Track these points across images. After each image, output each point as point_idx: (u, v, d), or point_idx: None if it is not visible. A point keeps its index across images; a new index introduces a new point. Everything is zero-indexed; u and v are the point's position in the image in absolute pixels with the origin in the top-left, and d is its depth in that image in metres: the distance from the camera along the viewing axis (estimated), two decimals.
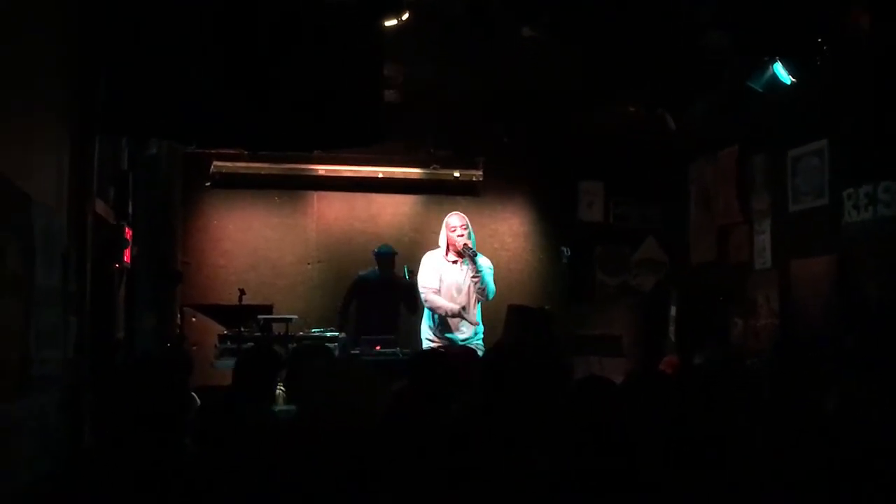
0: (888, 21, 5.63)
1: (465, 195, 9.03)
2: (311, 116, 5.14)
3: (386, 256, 8.19)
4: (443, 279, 7.33)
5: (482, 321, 7.46)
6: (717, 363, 3.38)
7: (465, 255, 7.25)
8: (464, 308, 7.30)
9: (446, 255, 7.34)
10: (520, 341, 6.67)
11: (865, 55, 6.04)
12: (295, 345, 6.88)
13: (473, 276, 7.25)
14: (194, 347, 8.01)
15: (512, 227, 9.21)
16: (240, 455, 3.10)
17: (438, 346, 7.13)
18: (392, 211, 9.05)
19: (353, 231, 8.93)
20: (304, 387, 3.52)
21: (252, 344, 6.85)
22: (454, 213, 7.49)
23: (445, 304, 7.30)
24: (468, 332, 7.31)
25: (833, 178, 6.71)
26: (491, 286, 7.31)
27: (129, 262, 5.86)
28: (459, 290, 7.32)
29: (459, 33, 6.73)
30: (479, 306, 7.41)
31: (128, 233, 5.78)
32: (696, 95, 7.81)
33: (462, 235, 7.24)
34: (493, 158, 9.07)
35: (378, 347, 7.45)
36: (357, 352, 7.42)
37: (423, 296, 7.40)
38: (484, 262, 7.34)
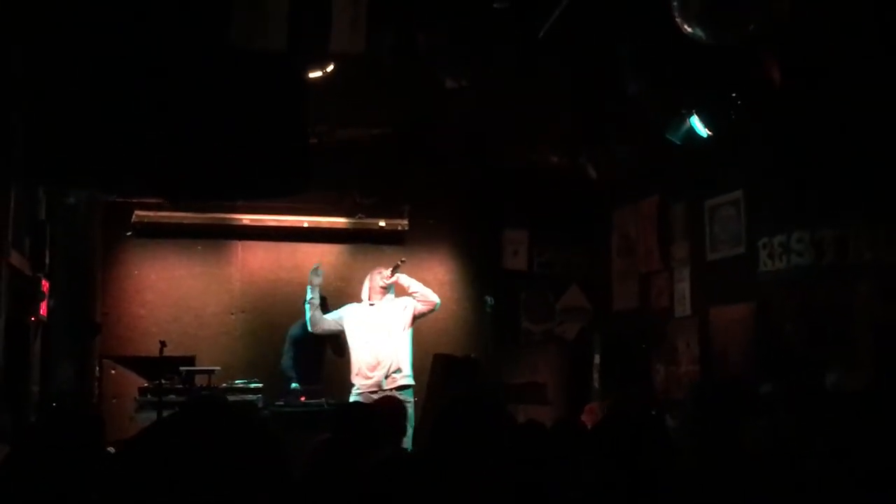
0: (797, 76, 5.85)
1: (391, 244, 9.03)
2: (235, 166, 5.11)
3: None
4: (362, 325, 7.42)
5: (413, 367, 7.52)
6: (635, 414, 3.43)
7: (396, 271, 7.51)
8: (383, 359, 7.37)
9: (369, 298, 7.48)
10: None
11: (776, 109, 6.26)
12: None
13: (412, 290, 7.43)
14: (114, 400, 7.83)
15: (437, 275, 9.23)
16: None
17: (369, 392, 7.18)
18: (317, 260, 8.99)
19: (278, 281, 8.85)
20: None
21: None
22: (382, 266, 7.74)
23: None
24: (379, 376, 7.33)
25: (749, 227, 6.91)
26: (431, 292, 7.50)
27: (45, 314, 5.73)
28: (383, 330, 7.38)
29: (385, 83, 6.79)
30: (409, 347, 7.48)
31: (44, 285, 5.65)
32: (618, 146, 7.99)
33: (388, 278, 7.44)
34: (418, 207, 9.11)
35: (303, 398, 7.39)
36: (281, 402, 7.35)
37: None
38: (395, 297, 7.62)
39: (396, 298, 7.60)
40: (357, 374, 7.39)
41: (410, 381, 7.40)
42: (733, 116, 6.46)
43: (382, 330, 7.41)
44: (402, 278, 7.63)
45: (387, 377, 7.30)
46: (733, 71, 6.17)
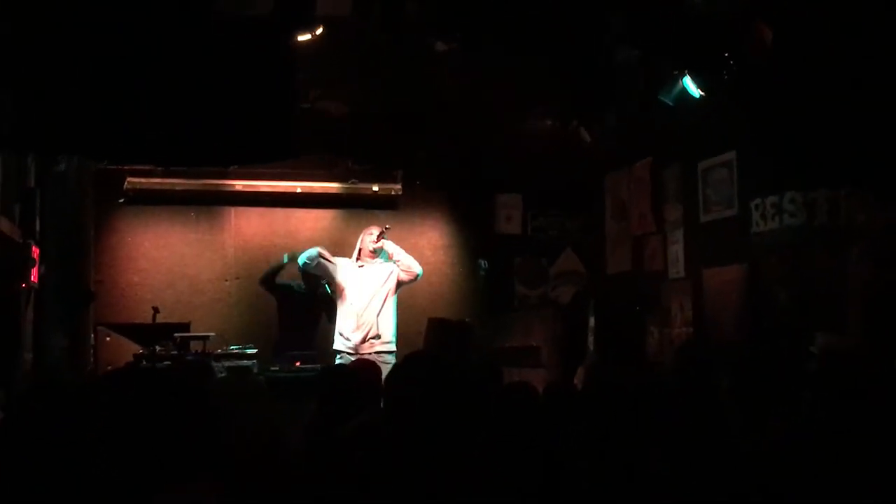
0: (789, 36, 5.81)
1: (385, 209, 9.02)
2: (225, 131, 5.09)
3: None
4: (350, 284, 7.53)
5: (398, 330, 7.61)
6: (624, 376, 3.44)
7: (382, 236, 7.65)
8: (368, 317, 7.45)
9: (358, 259, 7.57)
10: (433, 353, 6.72)
11: (769, 69, 6.22)
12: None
13: (396, 259, 7.53)
14: (109, 367, 7.86)
15: (431, 240, 9.23)
16: None
17: (349, 355, 7.26)
18: (311, 226, 9.00)
19: (271, 247, 8.84)
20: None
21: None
22: (372, 226, 7.80)
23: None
24: (357, 339, 7.41)
25: (741, 188, 6.89)
26: (415, 262, 7.60)
27: (36, 281, 5.72)
28: (368, 294, 7.48)
29: (375, 47, 6.75)
30: (394, 314, 7.56)
31: (35, 251, 5.64)
32: (610, 109, 7.95)
33: (375, 242, 7.52)
34: (411, 172, 9.08)
35: (298, 363, 7.41)
36: (276, 368, 7.38)
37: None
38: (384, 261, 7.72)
39: (384, 263, 7.67)
40: (339, 335, 7.49)
41: (391, 349, 7.46)
42: (726, 77, 6.43)
43: (366, 293, 7.50)
44: (388, 245, 7.70)
45: (364, 341, 7.37)
46: (726, 31, 6.14)
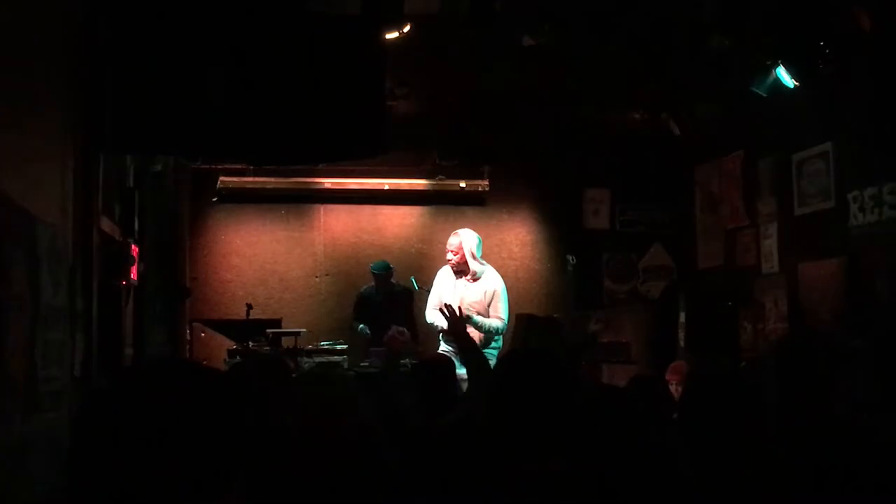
0: (889, 23, 5.63)
1: (472, 205, 9.05)
2: (315, 130, 5.15)
3: (379, 274, 8.11)
4: (447, 291, 7.21)
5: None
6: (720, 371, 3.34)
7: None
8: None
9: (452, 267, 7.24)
10: (532, 350, 6.59)
11: (867, 58, 6.04)
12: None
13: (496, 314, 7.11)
14: (204, 362, 8.05)
15: (519, 235, 9.22)
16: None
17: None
18: (398, 222, 9.07)
19: (359, 243, 8.95)
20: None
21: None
22: (454, 232, 7.26)
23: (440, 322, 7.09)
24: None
25: (838, 180, 6.71)
26: (504, 325, 7.17)
27: (136, 278, 5.88)
28: (466, 301, 7.22)
29: (462, 43, 6.75)
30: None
31: (134, 250, 5.79)
32: (700, 100, 7.82)
33: (456, 253, 7.06)
34: (498, 168, 9.08)
35: None
36: (366, 363, 7.44)
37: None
38: (493, 278, 7.20)
39: (485, 279, 7.11)
40: (443, 342, 7.22)
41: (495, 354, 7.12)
42: (821, 66, 6.26)
43: (465, 301, 7.13)
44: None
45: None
46: (821, 18, 5.98)
